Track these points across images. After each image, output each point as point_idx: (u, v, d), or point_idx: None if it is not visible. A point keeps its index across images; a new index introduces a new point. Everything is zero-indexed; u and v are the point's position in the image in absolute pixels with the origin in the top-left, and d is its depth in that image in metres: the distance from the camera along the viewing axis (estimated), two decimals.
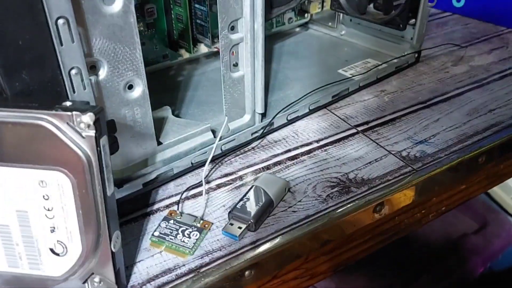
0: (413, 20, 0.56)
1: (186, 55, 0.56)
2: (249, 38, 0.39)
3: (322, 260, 0.40)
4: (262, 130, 0.45)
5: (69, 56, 0.29)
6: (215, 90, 0.51)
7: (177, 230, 0.35)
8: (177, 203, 0.38)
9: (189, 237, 0.34)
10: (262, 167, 0.43)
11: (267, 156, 0.44)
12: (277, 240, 0.35)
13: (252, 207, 0.36)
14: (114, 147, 0.34)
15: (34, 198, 0.27)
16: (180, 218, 0.36)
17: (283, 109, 0.47)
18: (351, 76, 0.55)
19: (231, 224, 0.35)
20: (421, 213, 0.45)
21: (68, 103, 0.26)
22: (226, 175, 0.42)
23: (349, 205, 0.38)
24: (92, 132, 0.25)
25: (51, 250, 0.28)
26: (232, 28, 0.39)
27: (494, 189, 1.05)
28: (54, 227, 0.27)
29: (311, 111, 0.50)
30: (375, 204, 0.39)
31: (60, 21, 0.27)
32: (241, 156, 0.44)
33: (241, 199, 0.37)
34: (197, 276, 0.32)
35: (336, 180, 0.41)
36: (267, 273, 0.35)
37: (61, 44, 0.28)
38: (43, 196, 0.27)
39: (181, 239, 0.34)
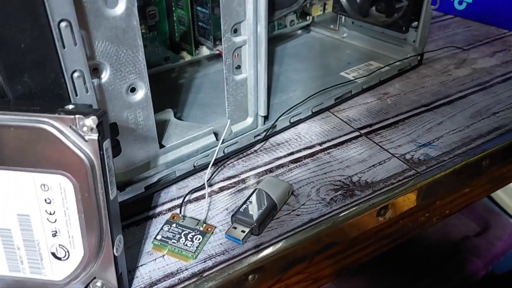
0: (416, 22, 0.56)
1: (188, 57, 0.56)
2: (252, 41, 0.39)
3: (326, 264, 0.39)
4: (265, 133, 0.45)
5: (71, 59, 0.28)
6: (217, 93, 0.50)
7: (179, 233, 0.35)
8: (180, 206, 0.38)
9: (192, 241, 0.34)
10: (265, 170, 0.42)
11: (270, 159, 0.44)
12: (280, 244, 0.35)
13: (255, 210, 0.36)
14: (116, 150, 0.33)
15: (36, 201, 0.26)
16: (183, 221, 0.36)
17: (286, 111, 0.46)
18: (353, 78, 0.54)
19: (234, 228, 0.35)
20: (425, 217, 0.45)
21: (70, 106, 0.26)
22: (229, 178, 0.41)
23: (353, 209, 0.38)
24: (95, 136, 0.25)
25: (53, 254, 0.28)
26: (235, 31, 0.38)
27: (497, 192, 1.05)
28: (56, 231, 0.27)
29: (314, 114, 0.49)
30: (379, 208, 0.39)
31: (63, 24, 0.27)
32: (243, 159, 0.44)
33: (244, 203, 0.37)
34: (200, 281, 0.32)
35: (339, 183, 0.40)
36: (270, 277, 0.35)
37: (64, 47, 0.28)
38: (45, 200, 0.26)
39: (183, 243, 0.34)
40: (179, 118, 0.46)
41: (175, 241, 0.34)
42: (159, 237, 0.35)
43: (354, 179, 0.41)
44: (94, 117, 0.25)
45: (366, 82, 0.54)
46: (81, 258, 0.28)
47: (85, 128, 0.25)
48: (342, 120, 0.49)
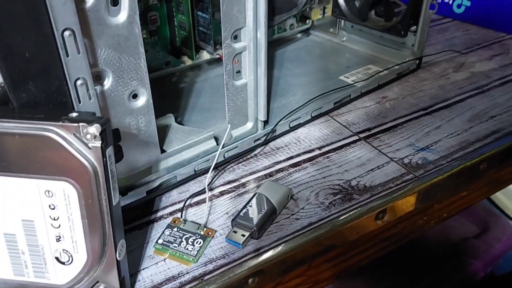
0: (414, 27, 0.56)
1: (188, 62, 0.56)
2: (252, 46, 0.40)
3: (325, 267, 0.40)
4: (264, 137, 0.46)
5: (74, 67, 0.29)
6: (218, 97, 0.51)
7: (180, 237, 0.35)
8: (181, 210, 0.38)
9: (193, 245, 0.35)
10: (265, 174, 0.43)
11: (270, 163, 0.44)
12: (280, 248, 0.35)
13: (255, 214, 0.36)
14: (118, 155, 0.34)
15: (40, 207, 0.27)
16: (184, 225, 0.36)
17: (285, 116, 0.47)
18: (352, 82, 0.55)
19: (235, 232, 0.36)
20: (423, 220, 0.46)
21: (74, 114, 0.26)
22: (229, 182, 0.42)
23: (351, 213, 0.38)
24: (98, 143, 0.26)
25: (57, 258, 0.28)
26: (235, 37, 0.39)
27: (496, 193, 1.06)
28: (60, 236, 0.28)
29: (313, 118, 0.50)
30: (377, 211, 0.39)
31: (66, 33, 0.28)
32: (244, 163, 0.44)
33: (244, 207, 0.37)
34: (201, 284, 0.32)
35: (338, 187, 0.41)
36: (270, 281, 0.36)
37: (67, 55, 0.28)
38: (49, 206, 0.27)
39: (185, 247, 0.34)
40: (180, 123, 0.47)
41: (176, 245, 0.35)
42: (160, 241, 0.35)
43: (352, 183, 0.41)
44: (97, 125, 0.25)
45: (365, 86, 0.54)
46: (84, 263, 0.28)
47: (88, 136, 0.25)
48: (341, 124, 0.50)
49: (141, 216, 0.38)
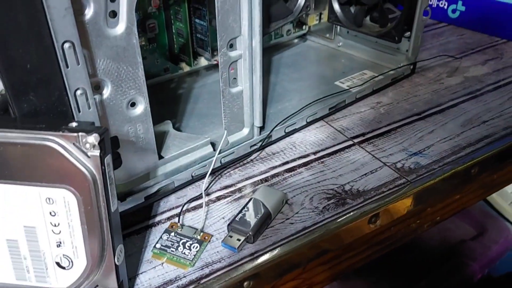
0: (408, 33, 0.57)
1: (186, 68, 0.57)
2: (247, 55, 0.41)
3: (320, 270, 0.41)
4: (260, 143, 0.47)
5: (74, 77, 0.30)
6: (215, 103, 0.52)
7: (178, 242, 0.36)
8: (178, 215, 0.39)
9: (190, 249, 0.36)
10: (261, 179, 0.44)
11: (266, 168, 0.45)
12: (275, 252, 0.36)
13: (250, 219, 0.37)
14: (117, 162, 0.35)
15: (41, 214, 0.28)
16: (181, 230, 0.37)
17: (281, 122, 0.48)
18: (348, 88, 0.56)
19: (230, 236, 0.37)
20: (416, 223, 0.46)
21: (74, 124, 0.27)
22: (225, 187, 0.43)
23: (344, 217, 0.39)
24: (97, 152, 0.26)
25: (57, 263, 0.29)
26: (231, 46, 0.40)
27: (492, 195, 1.06)
28: (60, 242, 0.29)
29: (309, 123, 0.51)
30: (370, 216, 0.40)
31: (66, 45, 0.29)
32: (240, 168, 0.45)
33: (240, 212, 0.38)
34: (198, 287, 0.33)
35: (332, 192, 0.42)
36: (265, 284, 0.37)
37: (67, 67, 0.29)
38: (50, 213, 0.28)
39: (182, 251, 0.35)
40: (178, 129, 0.48)
41: (174, 250, 0.35)
42: (158, 245, 0.36)
43: (346, 187, 0.42)
44: (96, 135, 0.26)
45: (360, 92, 0.55)
46: (84, 267, 0.29)
47: (87, 145, 0.26)
48: (336, 129, 0.51)
49: (140, 221, 0.39)
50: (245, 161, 0.46)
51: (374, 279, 0.92)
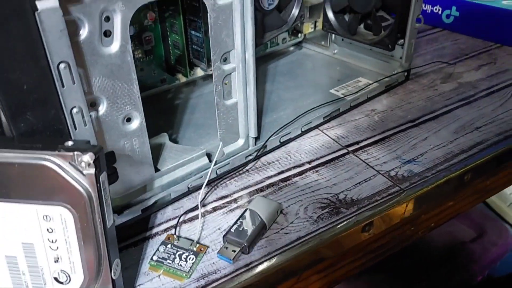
0: (402, 40, 0.58)
1: (183, 79, 0.58)
2: (241, 68, 0.41)
3: (315, 278, 0.41)
4: (256, 153, 0.47)
5: (70, 96, 0.31)
6: (212, 113, 0.52)
7: (174, 254, 0.37)
8: (175, 227, 0.40)
9: (186, 261, 0.36)
10: (256, 189, 0.44)
11: (261, 178, 0.46)
12: (270, 262, 0.37)
13: (245, 230, 0.38)
14: (113, 177, 0.36)
15: (39, 231, 0.29)
16: (177, 242, 0.38)
17: (276, 132, 0.49)
18: (342, 95, 0.57)
19: (226, 248, 0.37)
20: (411, 230, 0.47)
21: (70, 143, 0.28)
22: (221, 198, 0.44)
23: (338, 226, 0.40)
24: (92, 170, 0.27)
25: (55, 279, 0.30)
26: (225, 60, 0.41)
27: (491, 197, 1.07)
28: (58, 258, 0.29)
29: (304, 132, 0.52)
30: (363, 224, 0.41)
31: (62, 66, 0.29)
32: (236, 178, 0.46)
33: (235, 223, 0.39)
34: None
35: (326, 201, 0.43)
36: None
37: (63, 86, 0.30)
38: (48, 229, 0.29)
39: (178, 263, 0.36)
40: (175, 140, 0.48)
41: (170, 262, 0.36)
42: (155, 257, 0.37)
43: (340, 196, 0.43)
44: (91, 154, 0.27)
45: (354, 100, 0.56)
46: (81, 282, 0.30)
47: (83, 164, 0.27)
48: (331, 138, 0.52)
49: (137, 234, 0.40)
50: (241, 171, 0.47)
51: (375, 281, 0.93)
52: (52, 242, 0.29)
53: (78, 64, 0.31)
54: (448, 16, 0.76)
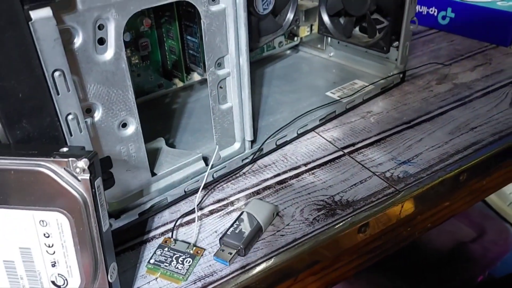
0: (397, 42, 0.58)
1: (180, 83, 0.59)
2: (235, 72, 0.42)
3: (311, 280, 0.42)
4: (252, 156, 0.48)
5: (65, 103, 0.31)
6: (208, 117, 0.52)
7: (171, 257, 0.37)
8: (172, 230, 0.40)
9: (183, 264, 0.37)
10: (253, 192, 0.45)
11: (258, 181, 0.46)
12: (265, 264, 0.37)
13: (241, 233, 0.38)
14: (110, 182, 0.36)
15: (36, 236, 0.29)
16: (174, 245, 0.38)
17: (272, 135, 0.49)
18: (338, 98, 0.57)
19: (222, 250, 0.38)
20: (407, 231, 0.47)
21: (65, 149, 0.28)
22: (218, 201, 0.44)
23: (334, 228, 0.40)
24: (87, 176, 0.28)
25: (53, 282, 0.30)
26: (219, 65, 0.41)
27: (491, 196, 1.07)
28: (55, 262, 0.30)
29: (300, 135, 0.52)
30: (359, 226, 0.41)
31: (56, 74, 0.30)
32: (232, 181, 0.46)
33: (231, 225, 0.39)
34: None
35: (322, 203, 0.43)
36: None
37: (58, 94, 0.31)
38: (44, 234, 0.29)
39: (175, 266, 0.37)
40: (172, 144, 0.49)
41: (167, 265, 0.37)
42: (152, 261, 0.37)
43: (336, 198, 0.43)
44: (85, 159, 0.28)
45: (349, 102, 0.56)
46: (78, 286, 0.30)
47: (78, 170, 0.28)
48: (327, 140, 0.52)
49: (134, 237, 0.40)
50: (237, 175, 0.47)
51: (375, 282, 0.93)
52: (49, 246, 0.29)
53: (73, 71, 0.32)
54: (443, 18, 0.77)
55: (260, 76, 0.64)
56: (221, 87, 0.42)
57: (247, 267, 0.37)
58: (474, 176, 0.48)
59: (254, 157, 0.48)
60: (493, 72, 0.64)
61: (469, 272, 0.97)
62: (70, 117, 0.32)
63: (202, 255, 0.38)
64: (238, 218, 0.40)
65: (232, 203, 0.44)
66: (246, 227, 0.39)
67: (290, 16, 0.57)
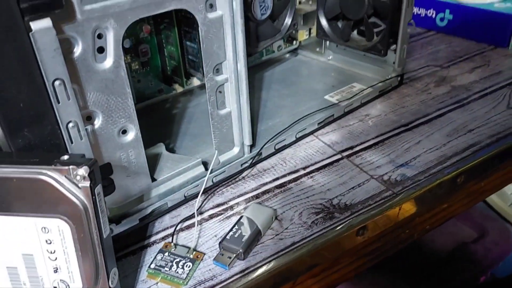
0: (394, 45, 0.59)
1: (180, 89, 0.59)
2: (233, 78, 0.42)
3: (310, 282, 0.42)
4: (251, 161, 0.48)
5: (66, 112, 0.32)
6: (208, 122, 0.53)
7: (171, 261, 0.38)
8: (172, 235, 0.41)
9: (183, 268, 0.37)
10: (252, 196, 0.45)
11: (257, 185, 0.47)
12: (264, 268, 0.38)
13: (241, 237, 0.39)
14: (110, 188, 0.37)
15: (38, 242, 0.30)
16: (175, 250, 0.39)
17: (270, 139, 0.49)
18: (337, 101, 0.57)
19: (222, 254, 0.38)
20: (406, 233, 0.48)
21: (65, 157, 0.29)
22: (218, 205, 0.45)
23: (332, 231, 0.41)
24: (87, 183, 0.28)
25: None
26: (217, 71, 0.42)
27: (492, 197, 1.07)
28: (57, 268, 0.30)
29: (298, 139, 0.52)
30: (357, 228, 0.42)
31: (57, 83, 0.31)
32: (232, 186, 0.47)
33: (230, 230, 0.40)
34: None
35: (320, 207, 0.43)
36: None
37: (58, 102, 0.31)
38: (46, 241, 0.30)
39: (175, 270, 0.37)
40: (172, 149, 0.49)
41: (168, 269, 0.37)
42: (153, 265, 0.38)
43: (334, 201, 0.44)
44: (86, 167, 0.28)
45: (348, 105, 0.57)
46: None
47: (78, 177, 0.28)
48: (326, 144, 0.52)
49: (135, 242, 0.41)
50: (236, 179, 0.48)
51: (376, 283, 0.93)
52: (51, 253, 0.30)
53: (73, 80, 0.32)
54: (442, 19, 0.77)
55: (259, 80, 0.65)
56: (219, 92, 0.43)
57: (246, 271, 0.37)
58: (472, 178, 0.49)
59: (253, 161, 0.48)
60: (491, 73, 0.64)
61: (471, 273, 0.97)
62: (70, 125, 0.32)
63: (202, 259, 0.38)
64: (237, 223, 0.40)
65: (231, 207, 0.44)
66: (245, 231, 0.39)
67: (288, 20, 0.58)
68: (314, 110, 0.55)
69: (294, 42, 0.71)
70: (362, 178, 0.47)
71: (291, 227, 0.41)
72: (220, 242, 0.39)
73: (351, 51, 0.65)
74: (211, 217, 0.43)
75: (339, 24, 0.64)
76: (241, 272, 0.37)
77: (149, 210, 0.42)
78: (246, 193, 0.46)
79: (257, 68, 0.68)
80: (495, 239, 1.01)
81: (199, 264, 0.38)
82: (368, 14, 0.59)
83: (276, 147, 0.50)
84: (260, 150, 0.48)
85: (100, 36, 0.33)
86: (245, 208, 0.43)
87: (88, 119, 0.35)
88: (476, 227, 1.03)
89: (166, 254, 0.39)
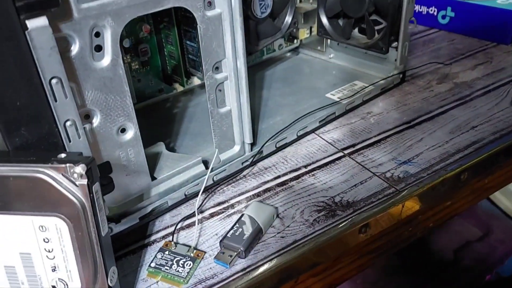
0: (396, 43, 0.58)
1: (180, 88, 0.59)
2: (233, 76, 0.42)
3: (312, 281, 0.42)
4: (252, 159, 0.48)
5: (63, 110, 0.32)
6: (208, 121, 0.53)
7: (172, 260, 0.38)
8: (172, 233, 0.41)
9: (183, 267, 0.37)
10: (253, 195, 0.45)
11: (258, 183, 0.47)
12: (266, 266, 0.37)
13: (242, 235, 0.38)
14: (109, 187, 0.36)
15: (36, 241, 0.29)
16: (175, 248, 0.39)
17: (271, 137, 0.49)
18: (338, 99, 0.57)
19: (223, 253, 0.38)
20: (409, 231, 0.47)
21: (63, 155, 0.29)
22: (218, 204, 0.44)
23: (334, 229, 0.40)
24: (84, 181, 0.28)
25: (53, 287, 0.31)
26: (217, 69, 0.41)
27: (497, 195, 1.06)
28: (55, 266, 0.30)
29: (300, 137, 0.52)
30: (359, 226, 0.41)
31: (54, 81, 0.30)
32: (233, 184, 0.47)
33: (231, 228, 0.39)
34: None
35: (322, 204, 0.43)
36: None
37: (55, 101, 0.31)
38: (44, 239, 0.29)
39: (176, 269, 0.37)
40: (172, 148, 0.49)
41: (168, 268, 0.37)
42: (153, 264, 0.37)
43: (336, 199, 0.44)
44: (83, 165, 0.28)
45: (349, 103, 0.57)
46: None
47: (75, 175, 0.28)
48: (327, 142, 0.52)
49: (135, 241, 0.40)
50: (237, 177, 0.47)
51: (381, 282, 0.93)
52: (49, 251, 0.30)
53: (70, 79, 0.32)
54: (443, 17, 0.77)
55: (261, 79, 0.65)
56: (219, 90, 0.43)
57: (247, 269, 0.37)
58: (475, 175, 0.48)
59: (254, 159, 0.48)
60: (493, 70, 0.64)
61: (476, 271, 0.96)
62: (68, 123, 0.32)
63: (202, 258, 0.38)
64: (238, 221, 0.40)
65: (232, 205, 0.44)
66: (246, 230, 0.39)
67: (288, 19, 0.57)
68: (315, 108, 0.55)
69: (295, 40, 0.71)
70: (364, 176, 0.46)
71: (292, 225, 0.41)
72: (221, 241, 0.39)
73: (353, 49, 0.65)
74: (211, 215, 0.43)
75: (340, 22, 0.63)
76: (242, 270, 0.37)
77: (149, 209, 0.41)
78: (247, 191, 0.46)
79: (258, 67, 0.68)
80: (500, 237, 1.01)
81: (199, 262, 0.38)
82: (369, 11, 0.58)
83: (277, 145, 0.50)
84: (261, 148, 0.48)
85: (97, 35, 0.33)
86: (246, 207, 0.43)
87: (86, 117, 0.35)
88: (481, 226, 1.03)
89: (167, 252, 0.38)
